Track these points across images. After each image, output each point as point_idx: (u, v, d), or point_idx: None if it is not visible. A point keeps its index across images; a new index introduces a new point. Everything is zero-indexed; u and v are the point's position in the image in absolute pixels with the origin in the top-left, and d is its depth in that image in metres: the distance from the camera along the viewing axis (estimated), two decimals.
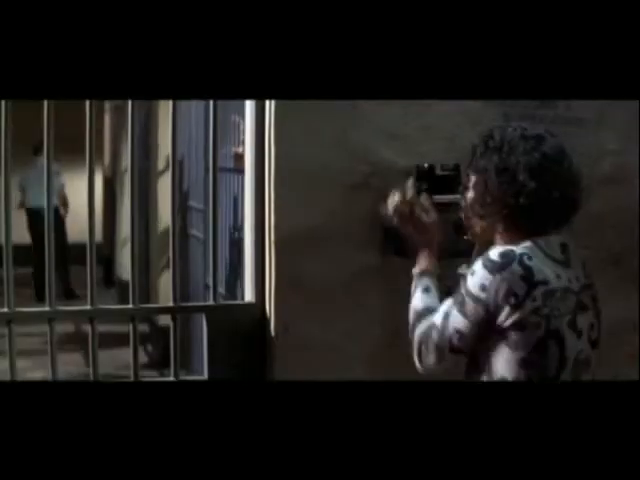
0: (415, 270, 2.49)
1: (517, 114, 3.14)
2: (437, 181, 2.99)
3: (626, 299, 3.33)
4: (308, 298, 3.01)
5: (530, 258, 2.15)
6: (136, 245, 3.00)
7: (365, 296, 3.08)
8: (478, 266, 2.16)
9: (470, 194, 2.33)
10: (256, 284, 3.07)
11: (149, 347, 6.90)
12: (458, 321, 2.18)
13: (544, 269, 2.15)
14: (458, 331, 2.18)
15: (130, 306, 3.00)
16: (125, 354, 3.05)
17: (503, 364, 2.14)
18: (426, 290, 2.40)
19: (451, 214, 2.66)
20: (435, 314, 2.27)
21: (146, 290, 7.02)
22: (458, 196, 2.98)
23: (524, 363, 2.13)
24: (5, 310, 2.88)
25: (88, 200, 2.92)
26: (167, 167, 6.87)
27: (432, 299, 2.37)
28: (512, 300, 2.11)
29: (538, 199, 2.20)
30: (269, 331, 3.04)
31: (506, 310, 2.11)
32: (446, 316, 2.21)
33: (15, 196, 9.68)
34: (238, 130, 4.73)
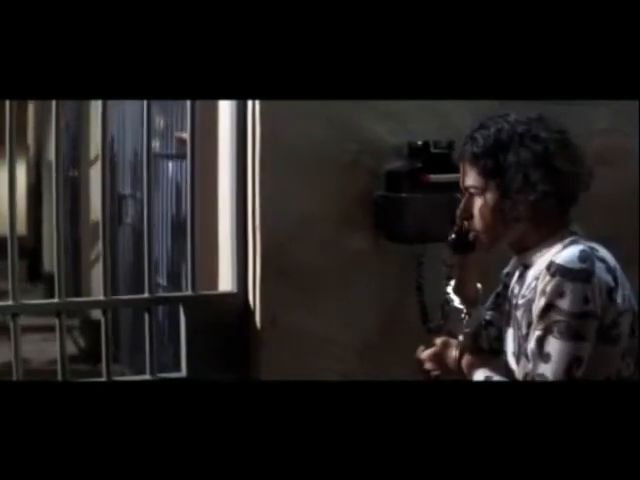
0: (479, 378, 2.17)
1: None
2: (431, 159, 2.83)
3: None
4: (296, 286, 2.81)
5: (594, 248, 1.97)
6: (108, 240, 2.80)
7: (357, 283, 2.89)
8: (561, 282, 1.90)
9: (494, 198, 2.03)
10: (238, 272, 2.86)
11: (79, 341, 6.61)
12: (572, 349, 1.92)
13: (607, 253, 2.00)
14: (577, 358, 1.92)
15: (102, 298, 2.77)
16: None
17: (608, 363, 1.98)
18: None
19: (447, 194, 2.48)
20: (527, 366, 2.00)
21: (76, 283, 6.70)
22: (455, 175, 2.82)
23: (625, 354, 1.98)
24: None
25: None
26: (99, 155, 6.67)
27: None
28: (612, 295, 1.93)
29: (579, 180, 2.03)
30: (254, 323, 2.83)
31: (610, 308, 1.93)
32: (546, 357, 1.93)
33: None
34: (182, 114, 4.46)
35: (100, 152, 2.86)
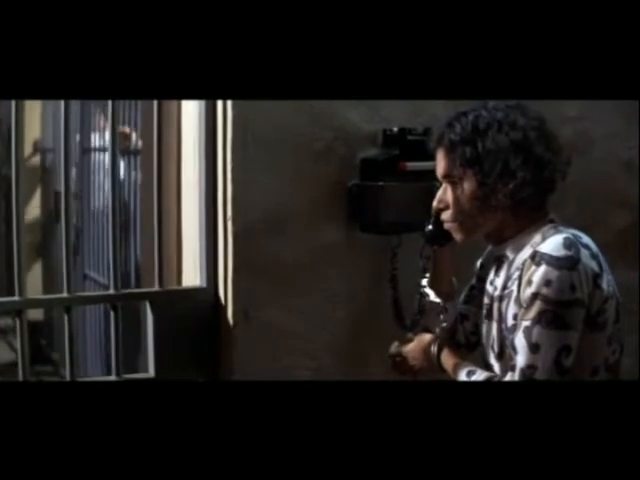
0: (461, 377, 2.10)
1: None
2: (408, 147, 2.74)
3: None
4: (268, 280, 2.70)
5: (577, 235, 1.94)
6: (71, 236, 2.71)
7: (331, 276, 2.80)
8: (547, 271, 1.87)
9: (473, 186, 1.98)
10: (207, 266, 2.73)
11: (14, 342, 6.37)
12: (560, 338, 1.88)
13: (589, 239, 1.98)
14: (565, 347, 1.88)
15: (65, 295, 2.64)
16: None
17: (596, 350, 1.95)
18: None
19: (424, 183, 2.39)
20: (515, 358, 1.93)
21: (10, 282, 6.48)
22: (433, 163, 2.75)
23: (611, 339, 1.95)
24: None
25: None
26: (33, 153, 6.47)
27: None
28: (598, 281, 1.90)
29: (557, 168, 1.99)
30: (226, 319, 2.71)
31: (596, 295, 1.90)
32: (535, 348, 1.89)
33: None
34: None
35: (63, 149, 2.71)
